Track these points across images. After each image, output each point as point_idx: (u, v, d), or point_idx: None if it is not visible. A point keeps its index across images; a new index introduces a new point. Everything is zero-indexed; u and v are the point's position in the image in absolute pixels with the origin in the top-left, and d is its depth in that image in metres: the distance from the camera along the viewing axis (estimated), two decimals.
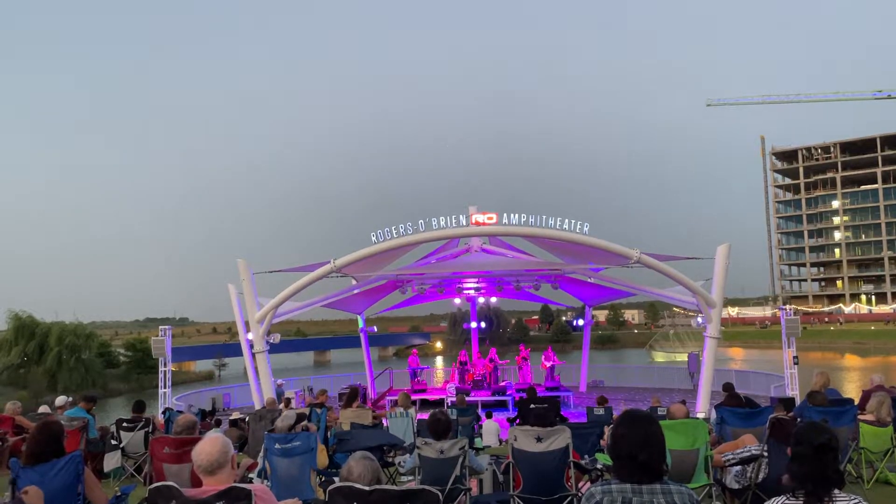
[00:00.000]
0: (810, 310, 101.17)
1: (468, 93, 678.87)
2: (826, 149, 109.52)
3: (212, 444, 3.52)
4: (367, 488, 3.38)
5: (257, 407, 17.02)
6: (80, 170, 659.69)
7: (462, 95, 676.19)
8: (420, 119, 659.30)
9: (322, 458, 6.96)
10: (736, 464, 6.17)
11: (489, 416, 14.54)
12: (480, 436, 12.74)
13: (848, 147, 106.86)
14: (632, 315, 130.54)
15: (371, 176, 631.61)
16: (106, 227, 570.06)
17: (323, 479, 6.77)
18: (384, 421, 11.05)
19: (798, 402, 13.12)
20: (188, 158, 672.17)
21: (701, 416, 15.52)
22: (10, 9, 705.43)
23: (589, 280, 24.49)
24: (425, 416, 7.24)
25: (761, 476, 5.95)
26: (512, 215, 17.89)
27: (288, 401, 14.95)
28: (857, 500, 2.76)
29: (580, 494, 6.28)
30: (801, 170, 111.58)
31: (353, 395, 12.45)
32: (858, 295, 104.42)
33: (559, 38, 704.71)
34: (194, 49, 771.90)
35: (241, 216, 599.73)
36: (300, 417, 7.78)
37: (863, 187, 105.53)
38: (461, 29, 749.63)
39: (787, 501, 2.81)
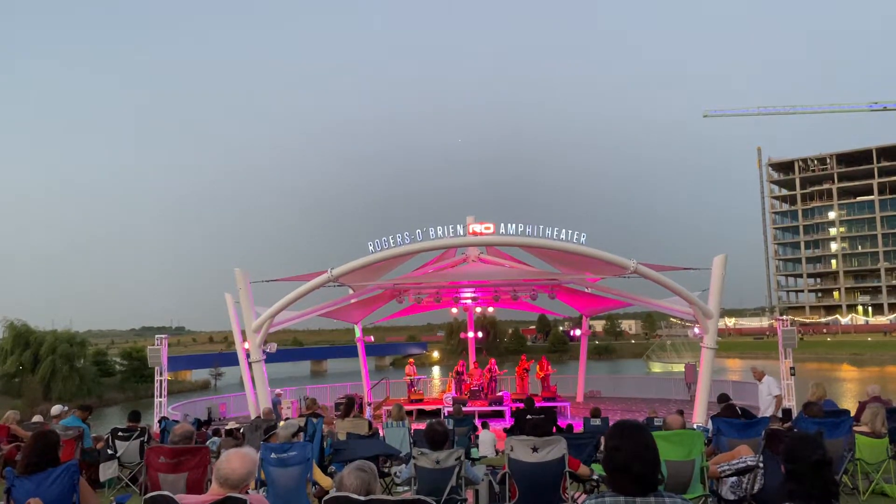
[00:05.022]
0: (807, 321, 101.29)
1: (469, 98, 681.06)
2: (822, 160, 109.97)
3: (242, 460, 3.53)
4: (362, 498, 3.38)
5: (254, 417, 16.96)
6: (76, 178, 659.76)
7: (463, 100, 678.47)
8: (421, 125, 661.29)
9: (322, 480, 6.85)
10: (732, 475, 6.16)
11: (486, 426, 14.50)
12: (477, 446, 12.70)
13: (844, 158, 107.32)
14: (629, 325, 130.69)
15: (371, 184, 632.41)
16: (102, 236, 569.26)
17: (317, 488, 6.74)
18: (381, 430, 11.03)
19: (795, 413, 13.15)
20: (186, 166, 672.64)
21: (697, 426, 15.50)
22: (10, 6, 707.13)
23: (586, 290, 24.50)
24: (422, 426, 7.23)
25: (757, 487, 5.94)
26: (509, 225, 17.88)
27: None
28: None
29: None
30: (797, 181, 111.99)
31: (350, 406, 12.42)
32: (855, 306, 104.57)
33: (560, 46, 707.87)
34: (194, 51, 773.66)
35: (239, 225, 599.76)
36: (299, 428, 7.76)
37: (859, 199, 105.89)
38: (462, 35, 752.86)
39: None
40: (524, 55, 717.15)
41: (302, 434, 8.67)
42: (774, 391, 13.40)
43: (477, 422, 15.41)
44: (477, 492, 7.06)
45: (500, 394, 24.14)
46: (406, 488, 6.69)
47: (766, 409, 13.14)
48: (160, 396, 19.70)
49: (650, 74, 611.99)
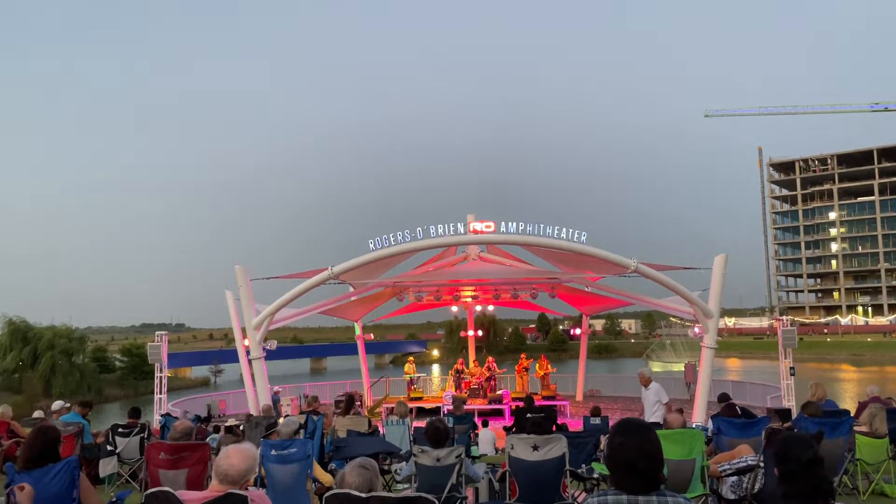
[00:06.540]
0: (807, 321, 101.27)
1: (468, 98, 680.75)
2: (823, 160, 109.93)
3: (241, 456, 3.52)
4: (363, 495, 3.37)
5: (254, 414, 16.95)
6: (77, 177, 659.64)
7: (462, 100, 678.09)
8: (421, 124, 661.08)
9: (323, 477, 6.83)
10: (732, 474, 6.17)
11: (485, 424, 14.49)
12: (477, 444, 12.71)
13: (845, 159, 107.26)
14: (629, 324, 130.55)
15: (371, 183, 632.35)
16: (102, 232, 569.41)
17: (318, 485, 6.74)
18: (381, 428, 11.02)
19: (795, 413, 13.13)
20: (186, 164, 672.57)
21: (696, 426, 15.48)
22: (11, 7, 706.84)
23: (586, 289, 24.50)
24: (422, 424, 7.23)
25: (757, 486, 5.95)
26: (510, 224, 17.84)
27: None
28: None
29: None
30: (798, 181, 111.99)
31: (350, 403, 12.42)
32: (855, 306, 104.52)
33: (560, 48, 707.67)
34: (194, 51, 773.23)
35: (240, 223, 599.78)
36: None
37: (860, 199, 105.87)
38: (462, 35, 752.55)
39: None
40: (525, 55, 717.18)
41: (302, 431, 8.68)
42: (663, 398, 12.53)
43: (477, 420, 15.42)
44: (477, 489, 7.07)
45: (500, 392, 24.14)
46: (406, 486, 6.69)
47: (651, 416, 12.45)
48: (160, 393, 19.70)
49: (651, 74, 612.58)
